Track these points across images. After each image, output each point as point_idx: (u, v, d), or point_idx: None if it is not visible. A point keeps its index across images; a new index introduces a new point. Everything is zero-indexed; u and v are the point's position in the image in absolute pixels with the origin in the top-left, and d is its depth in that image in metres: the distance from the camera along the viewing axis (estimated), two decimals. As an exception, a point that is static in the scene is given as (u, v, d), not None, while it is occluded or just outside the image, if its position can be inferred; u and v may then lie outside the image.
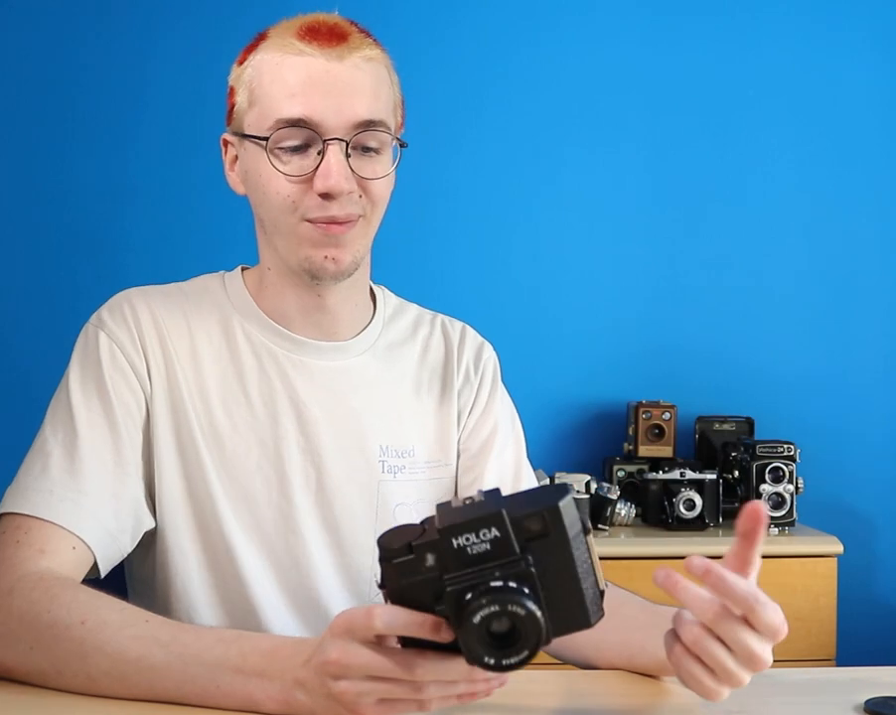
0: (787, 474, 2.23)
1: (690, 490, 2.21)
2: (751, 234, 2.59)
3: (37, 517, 0.93)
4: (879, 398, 2.59)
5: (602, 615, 0.73)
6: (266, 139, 1.00)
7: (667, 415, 2.39)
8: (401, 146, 1.06)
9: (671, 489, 2.23)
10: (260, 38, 1.06)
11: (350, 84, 1.00)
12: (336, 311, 1.10)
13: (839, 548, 2.15)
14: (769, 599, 0.79)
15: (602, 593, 0.74)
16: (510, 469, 1.18)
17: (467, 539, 0.68)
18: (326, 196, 1.00)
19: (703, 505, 2.20)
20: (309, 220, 1.02)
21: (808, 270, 2.60)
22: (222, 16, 2.52)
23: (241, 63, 1.07)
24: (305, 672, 0.77)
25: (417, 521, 0.72)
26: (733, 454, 2.34)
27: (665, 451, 2.38)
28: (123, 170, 2.50)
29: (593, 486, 2.22)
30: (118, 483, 0.99)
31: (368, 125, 1.01)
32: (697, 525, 2.20)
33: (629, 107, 2.58)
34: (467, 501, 0.71)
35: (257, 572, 1.05)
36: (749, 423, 2.46)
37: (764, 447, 2.25)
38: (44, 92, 2.49)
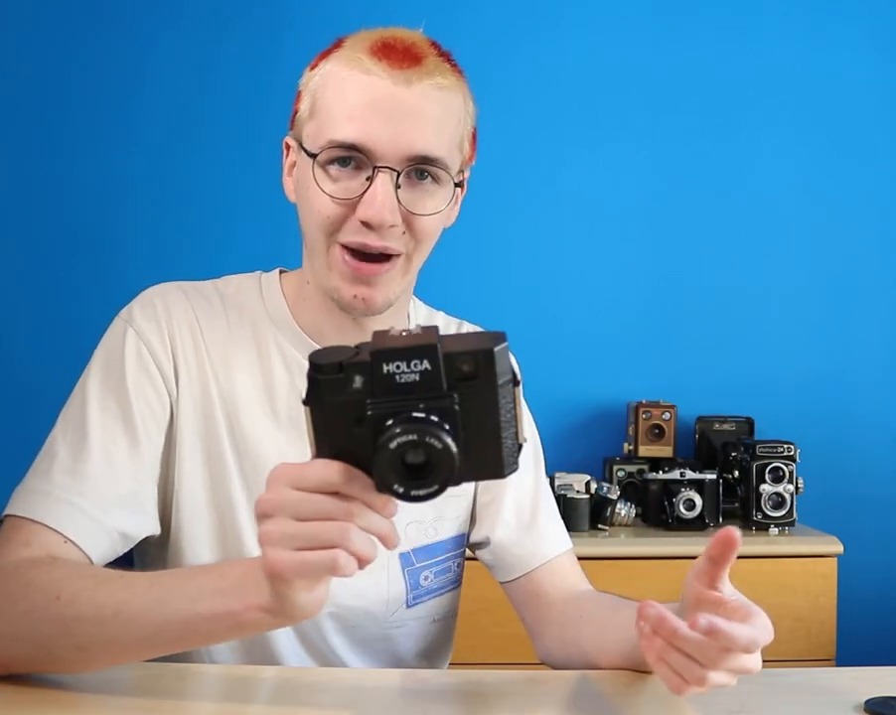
0: (787, 474, 2.23)
1: (690, 490, 2.21)
2: (751, 234, 2.59)
3: (30, 519, 0.92)
4: (879, 398, 2.59)
5: (516, 468, 0.73)
6: (316, 156, 0.96)
7: (667, 415, 2.39)
8: (456, 186, 1.01)
9: (670, 489, 2.23)
10: (336, 45, 1.01)
11: (412, 114, 0.95)
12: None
13: (839, 548, 2.15)
14: (755, 632, 0.76)
15: (520, 447, 0.73)
16: (528, 493, 1.14)
17: (397, 367, 0.68)
18: (366, 223, 0.95)
19: (703, 505, 2.20)
20: (343, 246, 0.97)
21: (808, 270, 2.60)
22: (221, 16, 2.52)
23: (313, 68, 1.02)
24: None
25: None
26: (733, 454, 2.34)
27: (665, 451, 2.38)
28: (122, 170, 2.50)
29: (593, 486, 2.22)
30: (125, 486, 0.96)
31: (422, 160, 0.96)
32: (697, 525, 2.20)
33: (629, 107, 2.58)
34: (404, 332, 0.70)
35: None
36: (749, 423, 2.46)
37: (764, 447, 2.25)
38: (43, 92, 2.49)
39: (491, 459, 0.71)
